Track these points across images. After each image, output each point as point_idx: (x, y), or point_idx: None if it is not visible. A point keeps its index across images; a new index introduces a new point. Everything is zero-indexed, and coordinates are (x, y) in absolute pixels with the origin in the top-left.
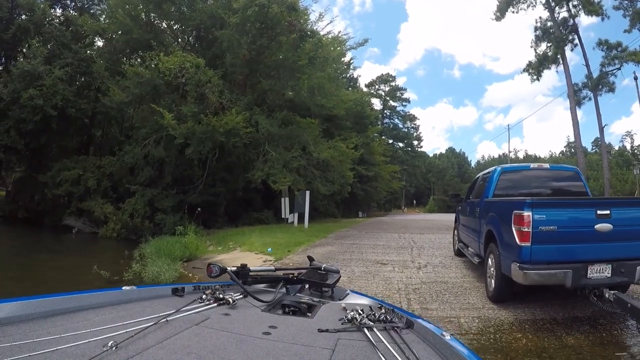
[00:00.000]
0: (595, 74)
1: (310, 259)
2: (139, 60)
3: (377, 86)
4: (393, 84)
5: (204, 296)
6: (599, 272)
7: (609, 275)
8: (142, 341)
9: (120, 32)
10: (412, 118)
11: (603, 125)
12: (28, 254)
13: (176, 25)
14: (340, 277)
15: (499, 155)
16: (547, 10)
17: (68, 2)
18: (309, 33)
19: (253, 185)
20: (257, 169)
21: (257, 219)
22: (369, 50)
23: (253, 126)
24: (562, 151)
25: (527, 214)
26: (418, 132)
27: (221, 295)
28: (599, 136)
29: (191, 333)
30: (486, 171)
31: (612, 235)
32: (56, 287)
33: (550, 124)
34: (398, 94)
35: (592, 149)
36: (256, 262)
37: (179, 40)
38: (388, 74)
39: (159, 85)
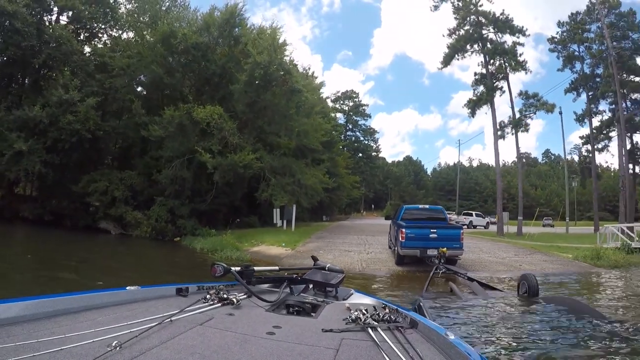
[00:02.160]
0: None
1: (314, 259)
2: (172, 105)
3: (342, 101)
4: (357, 100)
5: (208, 296)
6: (431, 252)
7: (435, 253)
8: (146, 341)
9: (151, 77)
10: (372, 132)
11: (520, 154)
12: (128, 253)
13: (191, 73)
14: (344, 276)
15: (454, 163)
16: (482, 63)
17: (104, 38)
18: (298, 89)
19: (241, 195)
20: (262, 190)
21: (247, 223)
22: (342, 52)
23: (258, 160)
24: (514, 161)
25: (404, 229)
26: (377, 145)
27: (225, 295)
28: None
29: (195, 333)
30: (401, 207)
31: (437, 238)
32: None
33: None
34: (360, 109)
35: (543, 160)
36: (281, 251)
37: (193, 86)
38: (352, 90)
39: (186, 125)
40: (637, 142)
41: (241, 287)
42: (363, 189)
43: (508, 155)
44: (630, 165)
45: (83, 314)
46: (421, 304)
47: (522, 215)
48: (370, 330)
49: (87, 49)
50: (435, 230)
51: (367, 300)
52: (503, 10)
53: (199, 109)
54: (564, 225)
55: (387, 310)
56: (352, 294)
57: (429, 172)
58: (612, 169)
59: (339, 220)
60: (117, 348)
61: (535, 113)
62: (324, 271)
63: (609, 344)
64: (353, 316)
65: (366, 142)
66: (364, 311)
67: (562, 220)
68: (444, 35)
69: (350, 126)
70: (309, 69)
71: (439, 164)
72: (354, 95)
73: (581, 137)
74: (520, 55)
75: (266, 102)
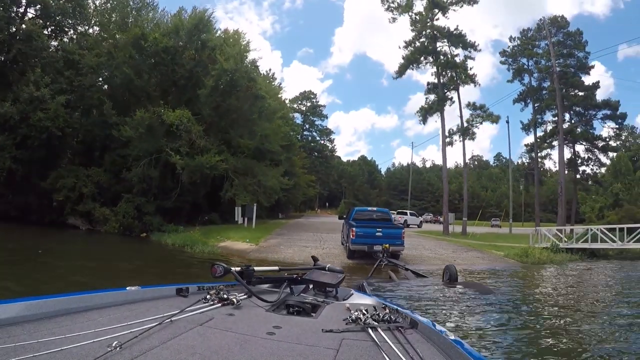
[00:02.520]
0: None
1: (315, 259)
2: (141, 108)
3: (300, 102)
4: (314, 100)
5: (208, 296)
6: (377, 247)
7: (380, 249)
8: (147, 341)
9: (121, 77)
10: (329, 132)
11: (467, 160)
12: (103, 248)
13: (159, 76)
14: (344, 277)
15: (407, 163)
16: (435, 74)
17: (70, 33)
18: (261, 95)
19: (204, 193)
20: (226, 190)
21: (209, 220)
22: (303, 49)
23: (224, 161)
24: (467, 163)
25: (354, 228)
26: (333, 145)
27: (225, 296)
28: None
29: (195, 333)
30: (352, 209)
31: (382, 236)
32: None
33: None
34: (318, 110)
35: (494, 163)
36: (247, 246)
37: (159, 87)
38: (310, 91)
39: (155, 127)
40: (578, 152)
41: (241, 287)
42: (318, 187)
43: (460, 157)
44: (573, 172)
45: (83, 314)
46: (364, 284)
47: (467, 216)
48: (370, 331)
49: (53, 44)
50: (380, 230)
51: (367, 300)
52: (457, 26)
53: (169, 112)
54: (509, 226)
55: (387, 311)
56: (352, 294)
57: (383, 172)
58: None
59: (295, 218)
60: (118, 348)
61: (481, 123)
62: (324, 271)
63: (497, 311)
64: (353, 316)
65: (322, 142)
66: (364, 311)
67: (508, 221)
68: (400, 47)
69: (307, 126)
70: (270, 70)
71: (393, 164)
72: (312, 96)
73: (526, 145)
74: (471, 69)
75: (231, 107)
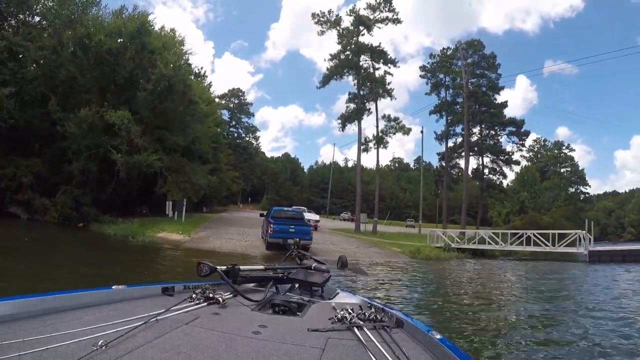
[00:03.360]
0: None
1: (300, 258)
2: (85, 106)
3: (228, 98)
4: (242, 98)
5: (193, 295)
6: (290, 241)
7: (292, 242)
8: (132, 340)
9: (65, 74)
10: (254, 130)
11: (379, 166)
12: (53, 237)
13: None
14: (330, 276)
15: (330, 162)
16: (355, 86)
17: (12, 21)
18: (195, 100)
19: (137, 187)
20: (160, 186)
21: (141, 213)
22: (237, 42)
23: (159, 159)
24: (387, 164)
25: (272, 225)
26: (257, 142)
27: (211, 295)
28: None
29: (181, 332)
30: (271, 208)
31: (294, 232)
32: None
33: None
34: (245, 107)
35: (414, 166)
36: (179, 237)
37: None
38: (239, 88)
39: (98, 124)
40: (486, 163)
41: (227, 286)
42: (242, 183)
43: (382, 158)
44: (479, 180)
45: (69, 313)
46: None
47: (377, 216)
48: (356, 330)
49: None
50: (293, 227)
51: (353, 299)
52: (380, 43)
53: (112, 113)
54: (425, 227)
55: (372, 310)
56: (337, 293)
57: (305, 169)
58: (476, 183)
59: (219, 212)
60: (103, 347)
61: (394, 134)
62: (310, 270)
63: (365, 287)
64: (339, 315)
65: (248, 139)
66: (349, 310)
67: (429, 222)
68: (325, 60)
69: (234, 123)
70: (202, 69)
71: (317, 162)
72: (240, 94)
73: (438, 154)
74: (389, 83)
75: (167, 109)
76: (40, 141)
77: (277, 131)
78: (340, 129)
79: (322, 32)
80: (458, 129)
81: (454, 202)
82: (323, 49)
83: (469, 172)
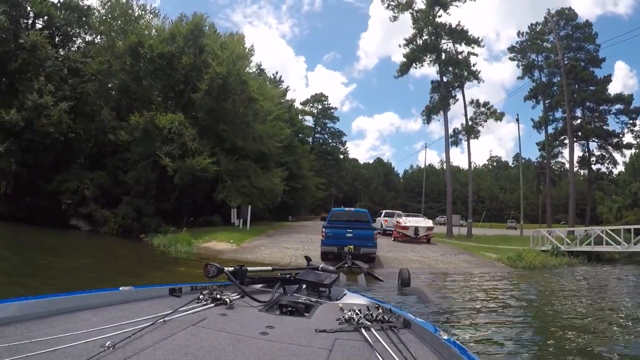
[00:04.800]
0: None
1: (308, 259)
2: (137, 112)
3: (311, 104)
4: (326, 103)
5: (201, 296)
6: (347, 248)
7: (352, 250)
8: (140, 341)
9: (119, 83)
10: (340, 135)
11: (476, 165)
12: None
13: (157, 82)
14: (338, 277)
15: (426, 165)
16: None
17: (60, 34)
18: (254, 98)
19: (204, 195)
20: (219, 191)
21: (211, 222)
22: (328, 55)
23: (215, 163)
24: (485, 164)
25: (324, 229)
26: (345, 147)
27: (218, 296)
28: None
29: (188, 333)
30: (331, 210)
31: (352, 237)
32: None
33: (487, 138)
34: (329, 112)
35: (513, 163)
36: (226, 246)
37: (161, 93)
38: (322, 93)
39: (151, 130)
40: (593, 150)
41: (234, 287)
42: (333, 189)
43: (479, 158)
44: (587, 170)
45: (77, 315)
46: None
47: (472, 218)
48: (363, 330)
49: (61, 52)
50: (351, 231)
51: (361, 300)
52: (459, 21)
53: (161, 117)
54: (527, 228)
55: (380, 310)
56: (345, 294)
57: (400, 174)
58: (582, 174)
59: (305, 221)
60: (111, 348)
61: (485, 121)
62: (317, 271)
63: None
64: (346, 316)
65: (334, 144)
66: (357, 311)
67: (532, 223)
68: (400, 46)
69: (319, 129)
70: (277, 74)
71: (411, 166)
72: (323, 98)
73: (537, 144)
74: (474, 65)
75: (225, 110)
76: (107, 154)
77: (374, 139)
78: (425, 122)
79: (395, 18)
80: (558, 114)
81: (557, 200)
82: None
83: (574, 162)
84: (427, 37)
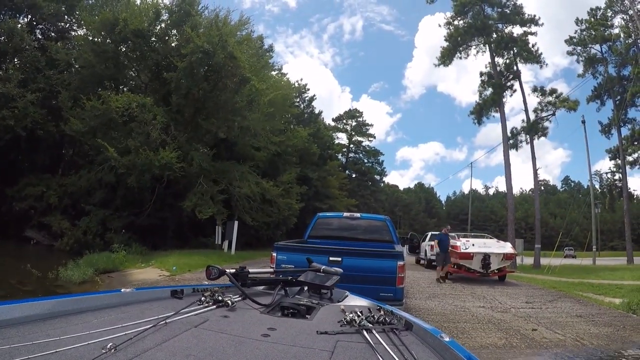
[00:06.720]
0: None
1: (309, 260)
2: (97, 95)
3: (344, 121)
4: (360, 119)
5: (202, 298)
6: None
7: None
8: (141, 343)
9: (84, 66)
10: (376, 153)
11: (537, 167)
12: None
13: (135, 64)
14: (339, 278)
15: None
16: (490, 65)
17: (49, 26)
18: (247, 77)
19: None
20: (188, 199)
21: (204, 243)
22: (373, 85)
23: (187, 161)
24: (531, 188)
25: (274, 253)
26: (382, 167)
27: (220, 298)
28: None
29: (190, 335)
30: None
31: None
32: None
33: (530, 165)
34: (364, 129)
35: (562, 187)
36: (152, 276)
37: (141, 77)
38: (356, 109)
39: (113, 118)
40: None
41: (236, 289)
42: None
43: (525, 183)
44: None
45: (77, 317)
46: None
47: (540, 244)
48: (365, 332)
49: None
50: (339, 259)
51: (362, 302)
52: None
53: (115, 97)
54: (586, 256)
55: (382, 312)
56: (347, 296)
57: (443, 200)
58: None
59: None
60: (112, 350)
61: (554, 113)
62: (319, 273)
63: None
64: (348, 318)
65: (369, 164)
66: (358, 313)
67: (586, 250)
68: (440, 25)
69: (353, 147)
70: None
71: (454, 192)
72: (357, 114)
73: (608, 151)
74: (533, 45)
75: (207, 93)
76: (83, 155)
77: (419, 169)
78: (476, 122)
79: (432, 0)
80: (632, 113)
81: (612, 224)
82: (460, 82)
83: None
84: (471, 18)
